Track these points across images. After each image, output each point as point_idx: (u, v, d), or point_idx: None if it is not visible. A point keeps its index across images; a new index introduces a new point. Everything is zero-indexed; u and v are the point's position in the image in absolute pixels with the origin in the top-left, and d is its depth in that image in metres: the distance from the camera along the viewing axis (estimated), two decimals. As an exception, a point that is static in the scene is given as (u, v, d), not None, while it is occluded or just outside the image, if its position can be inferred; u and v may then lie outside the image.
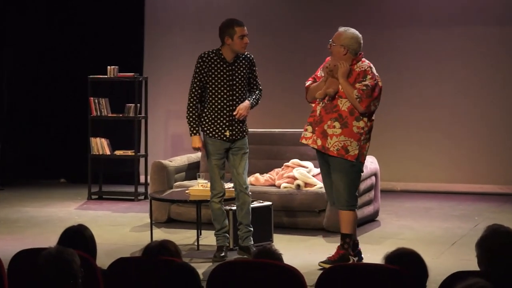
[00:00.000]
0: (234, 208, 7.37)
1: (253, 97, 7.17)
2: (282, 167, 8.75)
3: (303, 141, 6.94)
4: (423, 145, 10.84)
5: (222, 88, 7.01)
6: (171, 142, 11.75)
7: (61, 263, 3.65)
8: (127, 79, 10.53)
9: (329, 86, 6.74)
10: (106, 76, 10.52)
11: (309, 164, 8.65)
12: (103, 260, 4.48)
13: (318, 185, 8.41)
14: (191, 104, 7.09)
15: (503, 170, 10.64)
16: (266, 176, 8.76)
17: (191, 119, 7.09)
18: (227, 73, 7.02)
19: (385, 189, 9.99)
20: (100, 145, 10.54)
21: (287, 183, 8.48)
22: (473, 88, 10.76)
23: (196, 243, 7.60)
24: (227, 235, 7.27)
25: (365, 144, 6.79)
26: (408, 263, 3.84)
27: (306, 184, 8.43)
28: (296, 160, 8.72)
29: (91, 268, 3.97)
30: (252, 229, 7.20)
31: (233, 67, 7.04)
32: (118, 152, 10.60)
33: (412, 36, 10.88)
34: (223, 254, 7.13)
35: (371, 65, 6.79)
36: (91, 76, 10.58)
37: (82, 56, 11.71)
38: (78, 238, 4.37)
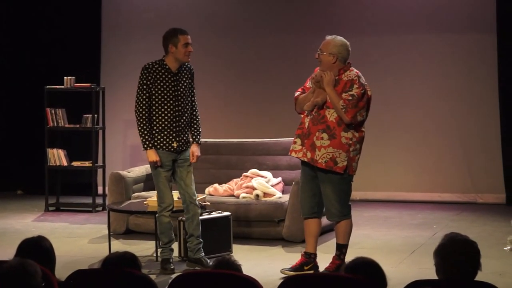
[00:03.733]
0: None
1: (198, 134, 7.15)
2: (241, 177, 8.74)
3: (293, 154, 6.88)
4: (382, 155, 10.88)
5: (168, 99, 6.96)
6: (129, 152, 11.68)
7: (24, 275, 3.59)
8: (84, 89, 10.45)
9: (317, 96, 6.70)
10: (62, 87, 10.43)
11: (267, 174, 8.65)
12: (61, 272, 4.43)
13: (277, 195, 8.42)
14: (142, 117, 6.96)
15: (460, 179, 10.73)
16: (225, 186, 8.75)
17: (145, 132, 6.97)
18: (172, 84, 6.98)
19: (343, 198, 9.99)
20: (57, 156, 10.44)
21: (246, 193, 8.47)
22: (430, 100, 10.83)
23: (154, 254, 7.56)
24: (172, 247, 7.20)
25: (355, 156, 6.74)
26: (367, 272, 3.84)
27: (265, 194, 8.43)
28: (254, 170, 8.71)
29: (48, 280, 3.92)
30: (202, 240, 7.17)
31: (177, 77, 7.00)
32: (75, 163, 10.51)
33: (374, 42, 10.91)
34: (173, 266, 7.07)
35: (360, 74, 6.74)
36: (47, 87, 10.49)
37: (38, 67, 11.61)
38: (36, 249, 4.31)
